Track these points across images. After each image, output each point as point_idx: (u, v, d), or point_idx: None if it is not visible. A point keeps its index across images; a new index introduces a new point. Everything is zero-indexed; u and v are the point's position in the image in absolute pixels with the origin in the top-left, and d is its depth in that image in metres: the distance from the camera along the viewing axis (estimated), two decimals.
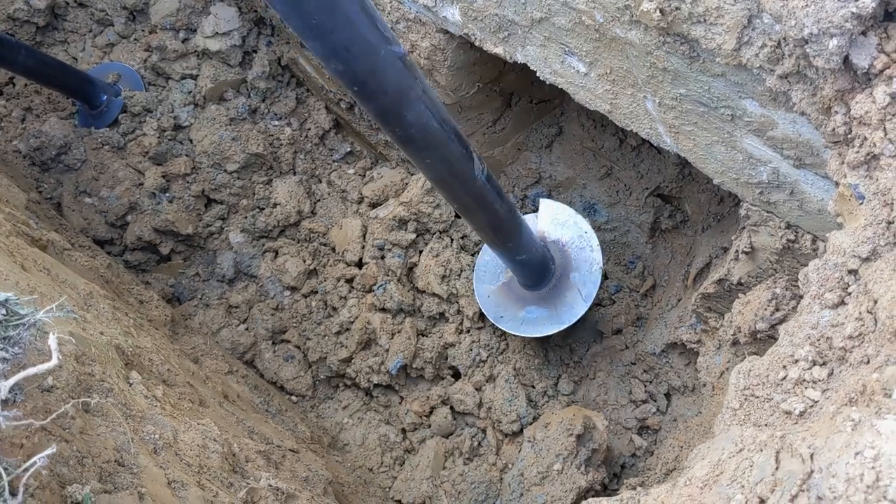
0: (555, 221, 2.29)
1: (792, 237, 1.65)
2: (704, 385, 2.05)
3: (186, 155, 2.88)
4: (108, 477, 1.02)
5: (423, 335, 2.44)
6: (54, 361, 0.78)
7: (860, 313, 0.99)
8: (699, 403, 2.13)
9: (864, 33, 1.15)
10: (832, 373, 1.04)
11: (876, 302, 0.97)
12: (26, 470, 0.72)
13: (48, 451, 0.70)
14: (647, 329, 2.44)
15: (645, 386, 2.32)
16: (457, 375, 2.44)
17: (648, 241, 2.49)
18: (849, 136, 1.21)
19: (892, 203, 1.11)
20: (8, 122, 2.89)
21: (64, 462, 0.97)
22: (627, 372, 2.36)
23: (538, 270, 2.21)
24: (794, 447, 0.78)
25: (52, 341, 0.78)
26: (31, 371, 0.76)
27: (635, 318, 2.51)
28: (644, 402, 2.31)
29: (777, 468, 0.79)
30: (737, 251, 1.79)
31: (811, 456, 0.75)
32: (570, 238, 2.27)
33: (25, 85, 2.96)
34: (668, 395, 2.32)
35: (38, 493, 0.88)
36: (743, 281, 1.82)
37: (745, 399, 1.10)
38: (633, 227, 2.48)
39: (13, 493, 0.70)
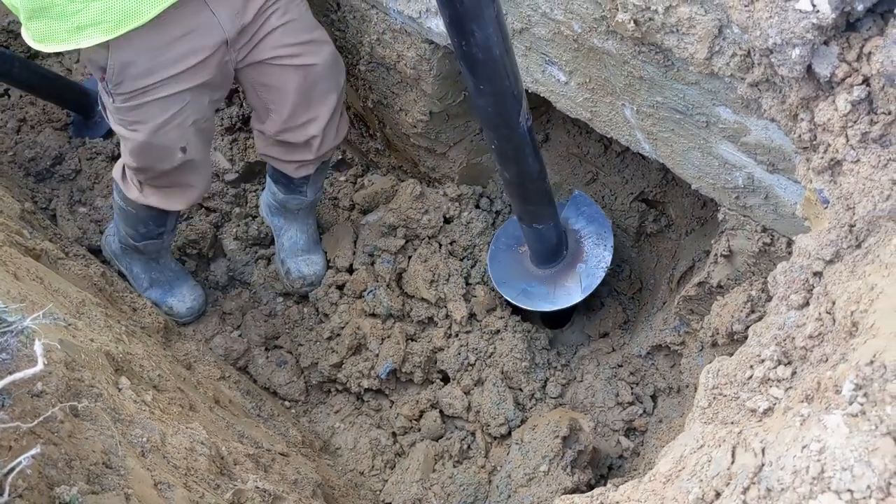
0: (580, 213, 2.38)
1: (768, 240, 1.69)
2: (687, 386, 2.09)
3: None
4: (95, 479, 1.05)
5: (412, 340, 2.47)
6: (40, 366, 0.81)
7: (820, 314, 1.03)
8: (684, 404, 2.17)
9: (826, 43, 1.19)
10: (795, 372, 1.07)
11: (834, 303, 1.00)
12: (12, 470, 0.76)
13: (32, 451, 0.73)
14: (633, 332, 2.48)
15: (631, 388, 2.36)
16: (446, 379, 2.47)
17: (634, 245, 2.53)
18: (814, 142, 1.25)
19: (854, 207, 1.14)
20: (3, 133, 2.93)
21: (52, 464, 1.00)
22: (614, 374, 2.40)
23: (550, 247, 2.27)
24: (748, 442, 0.82)
25: (37, 347, 0.81)
26: (17, 376, 0.80)
27: (622, 321, 2.55)
28: (631, 404, 2.34)
29: (732, 462, 0.83)
30: (716, 255, 1.83)
31: (763, 450, 0.79)
32: (589, 232, 2.35)
33: (21, 96, 2.99)
34: (654, 397, 2.35)
35: (27, 493, 0.91)
36: (722, 283, 1.86)
37: (714, 398, 1.14)
38: (618, 231, 2.52)
39: (0, 491, 0.74)
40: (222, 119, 2.96)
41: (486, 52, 1.47)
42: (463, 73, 1.57)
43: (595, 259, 2.30)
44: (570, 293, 2.29)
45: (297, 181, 2.44)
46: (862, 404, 0.79)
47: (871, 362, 0.79)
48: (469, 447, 2.37)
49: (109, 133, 2.92)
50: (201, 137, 2.11)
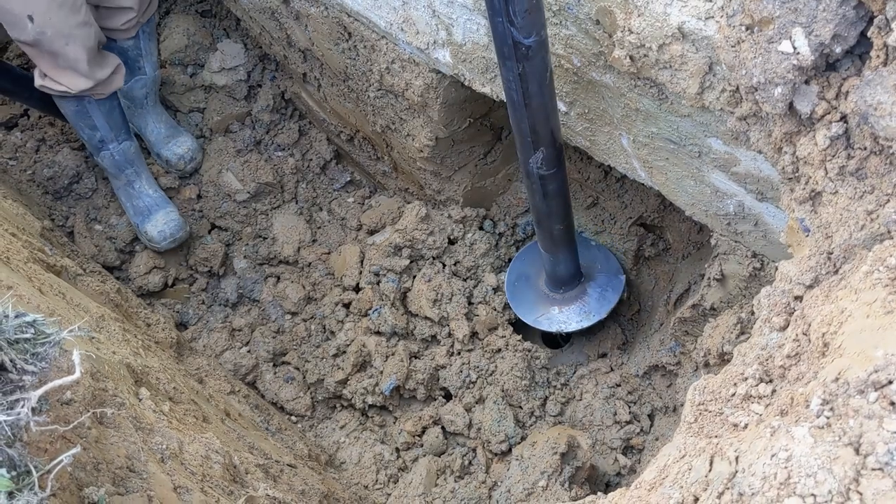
0: (598, 250, 2.56)
1: (758, 265, 1.76)
2: (683, 405, 2.16)
3: (194, 184, 3.01)
4: (120, 481, 1.13)
5: (415, 357, 2.55)
6: (77, 374, 0.89)
7: (797, 335, 1.10)
8: (679, 423, 2.23)
9: (806, 82, 1.27)
10: (775, 390, 1.15)
11: (810, 325, 1.08)
12: (49, 471, 0.83)
13: (73, 451, 0.81)
14: (631, 352, 2.55)
15: (629, 407, 2.42)
16: (448, 396, 2.54)
17: (632, 267, 2.60)
18: (796, 173, 1.33)
19: (832, 236, 1.22)
20: (23, 153, 3.02)
21: (82, 467, 1.08)
22: (612, 393, 2.46)
23: (567, 270, 2.41)
24: (724, 451, 0.89)
25: (75, 356, 0.89)
26: (57, 383, 0.87)
27: (621, 342, 2.61)
28: (628, 422, 2.41)
29: (710, 470, 0.90)
30: (709, 278, 1.90)
31: (736, 458, 0.86)
32: (603, 268, 2.53)
33: (39, 117, 3.09)
34: (651, 416, 2.42)
35: (60, 493, 0.99)
36: (715, 306, 1.93)
37: (700, 413, 1.21)
38: (618, 254, 2.59)
39: (42, 488, 0.81)
40: (234, 141, 3.06)
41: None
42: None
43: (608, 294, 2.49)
44: (587, 315, 2.48)
45: (132, 54, 2.62)
46: (828, 418, 0.86)
47: (836, 379, 0.86)
48: (470, 463, 2.43)
49: None
50: (60, 12, 2.16)
